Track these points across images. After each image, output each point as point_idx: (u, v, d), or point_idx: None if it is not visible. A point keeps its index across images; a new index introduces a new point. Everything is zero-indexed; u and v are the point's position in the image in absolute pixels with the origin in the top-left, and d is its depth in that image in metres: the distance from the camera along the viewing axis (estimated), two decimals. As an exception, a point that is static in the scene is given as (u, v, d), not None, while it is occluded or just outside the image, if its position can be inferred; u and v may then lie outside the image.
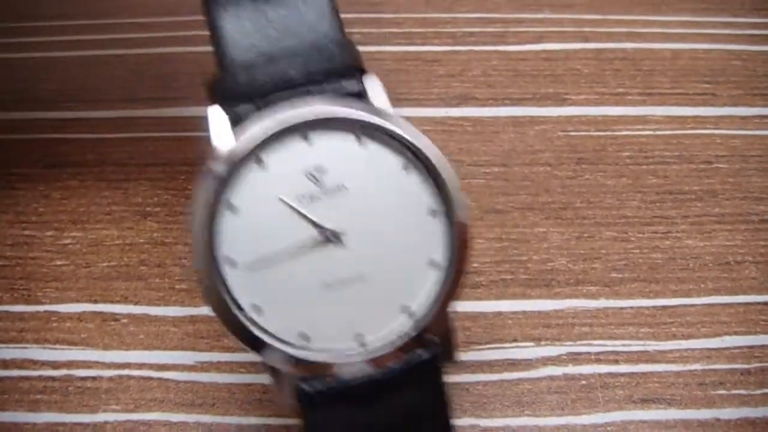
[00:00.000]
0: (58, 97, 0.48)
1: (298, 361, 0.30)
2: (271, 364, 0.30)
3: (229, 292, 0.30)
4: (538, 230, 0.44)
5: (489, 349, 0.40)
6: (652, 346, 0.40)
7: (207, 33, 0.32)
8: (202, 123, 0.31)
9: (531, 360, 0.40)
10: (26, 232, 0.43)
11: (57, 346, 0.40)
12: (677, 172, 0.46)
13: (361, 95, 0.32)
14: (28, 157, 0.46)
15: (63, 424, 0.37)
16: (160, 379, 0.39)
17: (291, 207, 0.30)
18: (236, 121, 0.31)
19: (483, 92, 0.49)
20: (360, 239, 0.31)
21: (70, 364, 0.39)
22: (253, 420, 0.38)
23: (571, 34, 0.52)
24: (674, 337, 0.40)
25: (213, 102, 0.31)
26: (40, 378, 0.39)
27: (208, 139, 0.30)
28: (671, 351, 0.40)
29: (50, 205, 0.44)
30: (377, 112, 0.31)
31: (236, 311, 0.30)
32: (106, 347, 0.40)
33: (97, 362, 0.39)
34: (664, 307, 0.41)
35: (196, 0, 0.32)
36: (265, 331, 0.30)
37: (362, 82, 0.32)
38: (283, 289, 0.30)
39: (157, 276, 0.42)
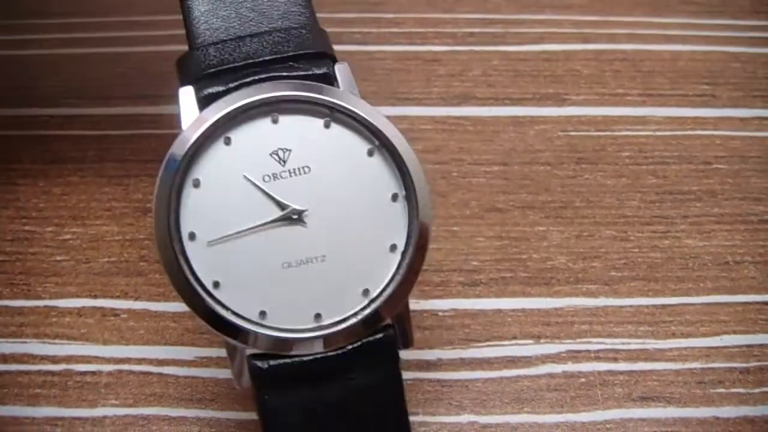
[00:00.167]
0: (60, 94, 0.48)
1: (255, 339, 0.30)
2: (229, 340, 0.31)
3: (190, 268, 0.30)
4: (538, 229, 0.44)
5: (488, 346, 0.40)
6: (652, 344, 0.40)
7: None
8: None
9: (530, 357, 0.40)
10: (26, 228, 0.43)
11: (56, 341, 0.40)
12: (677, 172, 0.46)
13: (330, 81, 0.32)
14: (29, 153, 0.46)
15: (62, 418, 0.37)
16: (159, 374, 0.39)
17: (254, 185, 0.31)
18: (207, 101, 0.31)
19: (483, 92, 0.49)
20: (322, 220, 0.31)
21: (69, 359, 0.39)
22: (252, 415, 0.38)
23: (571, 36, 0.52)
24: (673, 335, 0.40)
25: (184, 82, 0.32)
26: (39, 372, 0.39)
27: (178, 118, 0.31)
28: (670, 349, 0.40)
29: (51, 200, 0.44)
30: (345, 98, 0.31)
31: (197, 286, 0.30)
32: (105, 342, 0.40)
33: (96, 357, 0.39)
34: (664, 306, 0.41)
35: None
36: (225, 307, 0.30)
37: (332, 69, 0.32)
38: (244, 267, 0.31)
39: (157, 272, 0.42)
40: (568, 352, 0.40)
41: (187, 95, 0.32)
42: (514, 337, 0.40)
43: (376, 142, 0.32)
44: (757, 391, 0.39)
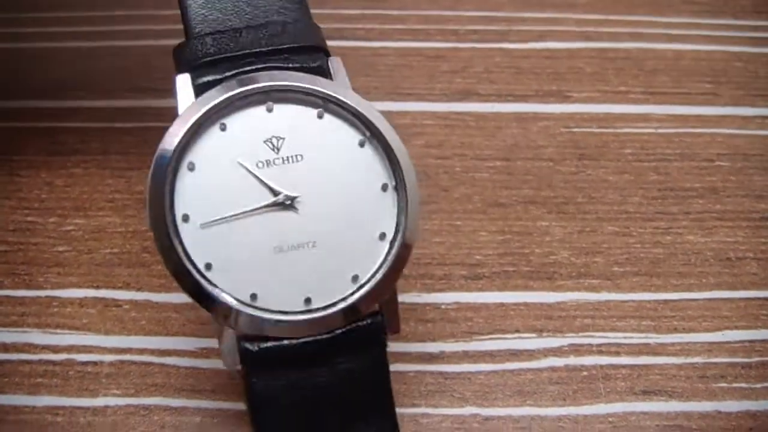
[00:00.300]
0: (64, 87, 0.48)
1: (245, 320, 0.31)
2: (220, 321, 0.31)
3: (184, 249, 0.31)
4: (540, 224, 0.44)
5: (491, 339, 0.40)
6: (654, 338, 0.40)
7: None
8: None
9: (533, 351, 0.40)
10: (29, 219, 0.43)
11: (58, 331, 0.39)
12: (679, 169, 0.46)
13: (324, 74, 0.33)
14: (32, 145, 0.46)
15: (63, 407, 0.37)
16: (161, 364, 0.39)
17: (248, 170, 0.31)
18: (203, 89, 0.32)
19: (486, 88, 0.49)
20: (313, 207, 0.32)
21: (70, 349, 0.39)
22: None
23: (573, 34, 0.52)
24: (675, 330, 0.40)
25: (181, 70, 0.32)
26: (40, 362, 0.39)
27: (175, 106, 0.31)
28: (672, 344, 0.40)
29: (53, 192, 0.44)
30: (339, 89, 0.32)
31: (190, 267, 0.31)
32: (107, 332, 0.39)
33: (98, 347, 0.39)
34: (666, 301, 0.41)
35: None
36: (217, 288, 0.31)
37: (326, 62, 0.33)
38: (237, 250, 0.31)
39: (159, 263, 0.41)
40: (571, 346, 0.40)
41: (184, 82, 0.32)
42: (517, 331, 0.40)
43: (368, 134, 0.33)
44: (759, 385, 0.39)
